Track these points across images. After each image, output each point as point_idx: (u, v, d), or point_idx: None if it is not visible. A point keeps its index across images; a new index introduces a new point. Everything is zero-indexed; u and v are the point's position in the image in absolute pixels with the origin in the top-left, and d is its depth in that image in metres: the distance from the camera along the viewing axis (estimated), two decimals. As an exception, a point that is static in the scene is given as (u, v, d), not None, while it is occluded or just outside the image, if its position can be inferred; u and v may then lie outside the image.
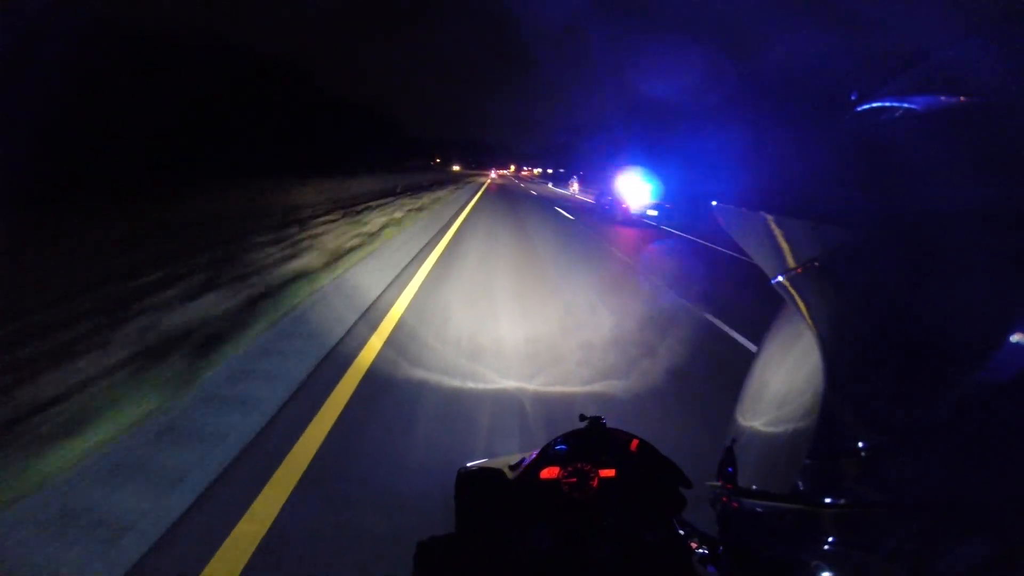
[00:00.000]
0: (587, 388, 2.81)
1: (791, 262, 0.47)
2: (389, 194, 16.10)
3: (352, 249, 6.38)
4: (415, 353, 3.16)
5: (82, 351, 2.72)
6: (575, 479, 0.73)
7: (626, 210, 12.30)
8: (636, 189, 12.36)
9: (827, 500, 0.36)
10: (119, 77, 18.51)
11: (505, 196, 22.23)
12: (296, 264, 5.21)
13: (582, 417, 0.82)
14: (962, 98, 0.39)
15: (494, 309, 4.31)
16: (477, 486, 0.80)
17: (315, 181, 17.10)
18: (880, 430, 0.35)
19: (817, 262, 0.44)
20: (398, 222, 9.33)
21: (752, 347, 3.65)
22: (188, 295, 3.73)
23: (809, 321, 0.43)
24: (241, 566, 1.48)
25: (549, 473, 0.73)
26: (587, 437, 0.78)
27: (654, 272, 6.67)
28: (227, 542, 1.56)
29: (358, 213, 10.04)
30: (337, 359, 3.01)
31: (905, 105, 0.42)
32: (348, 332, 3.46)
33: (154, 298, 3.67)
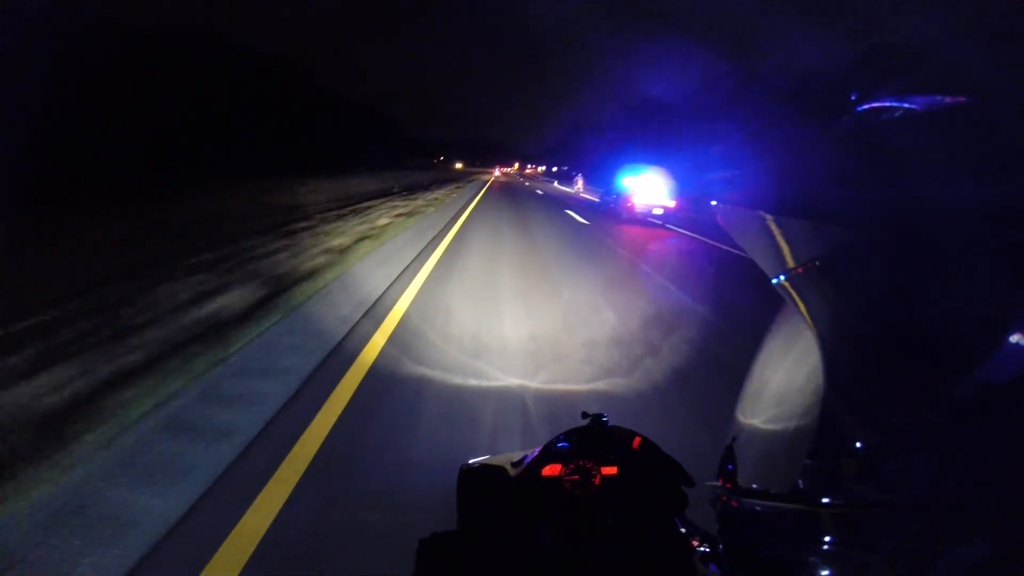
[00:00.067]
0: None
1: (791, 262, 0.47)
2: (383, 194, 15.12)
3: (306, 277, 4.54)
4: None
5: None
6: (577, 476, 0.73)
7: (631, 208, 12.24)
8: (641, 187, 12.29)
9: (827, 500, 0.36)
10: (119, 77, 18.52)
11: (509, 196, 19.89)
12: (210, 309, 3.53)
13: (584, 415, 0.82)
14: (962, 98, 0.39)
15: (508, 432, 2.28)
16: (479, 483, 0.80)
17: (312, 181, 16.89)
18: (880, 430, 0.35)
19: (817, 262, 0.44)
20: (376, 235, 7.22)
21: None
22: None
23: (809, 321, 0.43)
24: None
25: (551, 470, 0.73)
26: (589, 434, 0.78)
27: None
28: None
29: (339, 219, 8.62)
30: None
31: (905, 105, 0.42)
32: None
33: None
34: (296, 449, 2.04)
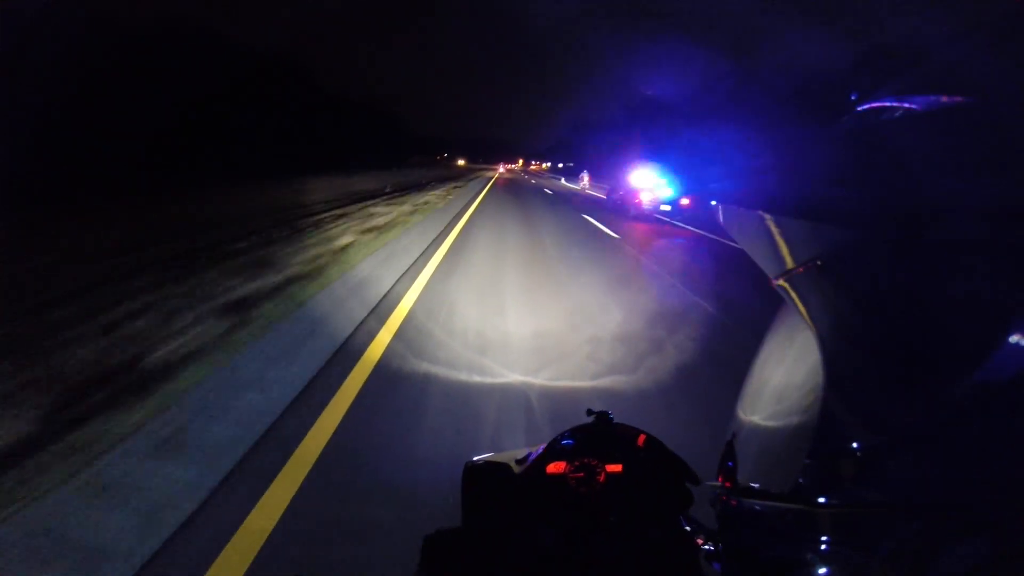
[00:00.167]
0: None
1: (790, 262, 0.47)
2: (372, 196, 13.34)
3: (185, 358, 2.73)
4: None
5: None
6: (582, 474, 0.73)
7: (638, 205, 12.19)
8: (648, 184, 12.23)
9: (827, 500, 0.36)
10: (119, 76, 18.51)
11: (514, 197, 17.42)
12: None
13: (589, 412, 0.82)
14: (962, 98, 0.39)
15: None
16: (484, 480, 0.80)
17: (307, 181, 16.49)
18: (880, 430, 0.35)
19: (817, 262, 0.44)
20: (315, 274, 4.72)
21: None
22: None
23: (809, 321, 0.43)
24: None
25: (556, 468, 0.73)
26: (594, 432, 0.78)
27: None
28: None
29: (287, 239, 6.44)
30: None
31: (905, 105, 0.42)
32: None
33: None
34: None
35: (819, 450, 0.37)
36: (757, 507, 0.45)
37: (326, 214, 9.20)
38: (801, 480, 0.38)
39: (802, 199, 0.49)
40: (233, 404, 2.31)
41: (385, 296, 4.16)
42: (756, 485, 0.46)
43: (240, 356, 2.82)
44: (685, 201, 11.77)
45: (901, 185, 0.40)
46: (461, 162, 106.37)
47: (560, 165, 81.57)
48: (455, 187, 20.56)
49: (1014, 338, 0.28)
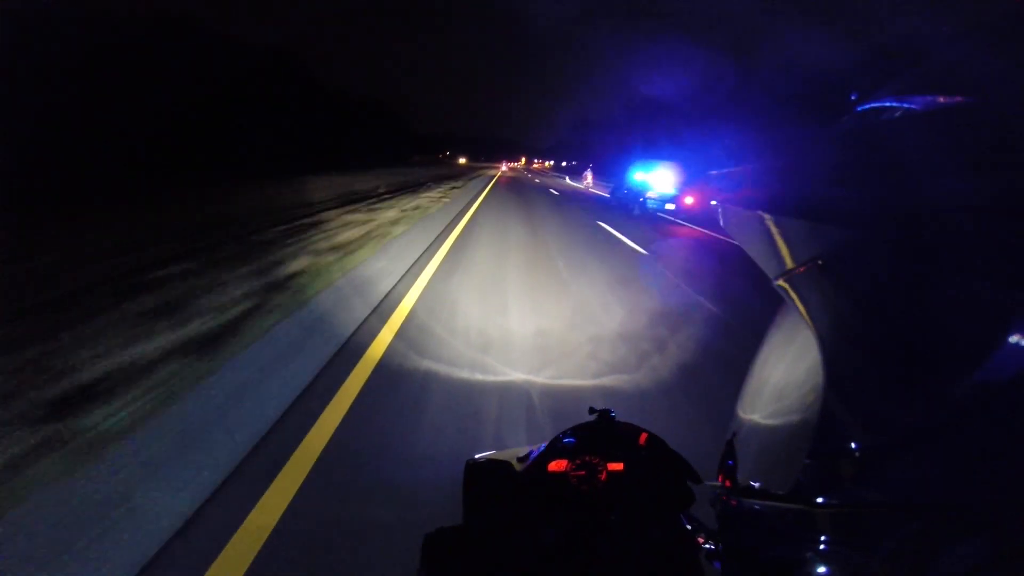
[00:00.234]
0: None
1: (790, 262, 0.47)
2: (363, 198, 11.92)
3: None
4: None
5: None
6: (583, 472, 0.73)
7: (642, 203, 12.10)
8: (652, 182, 12.10)
9: (827, 500, 0.36)
10: (120, 77, 18.49)
11: (517, 198, 15.63)
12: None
13: (591, 410, 0.82)
14: (962, 98, 0.39)
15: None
16: (485, 478, 0.80)
17: (299, 181, 15.96)
18: (879, 430, 0.35)
19: (817, 262, 0.44)
20: (225, 332, 3.12)
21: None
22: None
23: (809, 321, 0.43)
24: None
25: (557, 466, 0.73)
26: (596, 430, 0.77)
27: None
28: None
29: (261, 248, 5.55)
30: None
31: (905, 105, 0.42)
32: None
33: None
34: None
35: (819, 450, 0.37)
36: (757, 507, 0.45)
37: (298, 222, 7.72)
38: (801, 480, 0.38)
39: (802, 199, 0.49)
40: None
41: (303, 394, 2.39)
42: (756, 484, 0.46)
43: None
44: (689, 200, 11.67)
45: (901, 185, 0.40)
46: (462, 160, 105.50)
47: (564, 163, 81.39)
48: (453, 188, 18.37)
49: (1014, 338, 0.28)
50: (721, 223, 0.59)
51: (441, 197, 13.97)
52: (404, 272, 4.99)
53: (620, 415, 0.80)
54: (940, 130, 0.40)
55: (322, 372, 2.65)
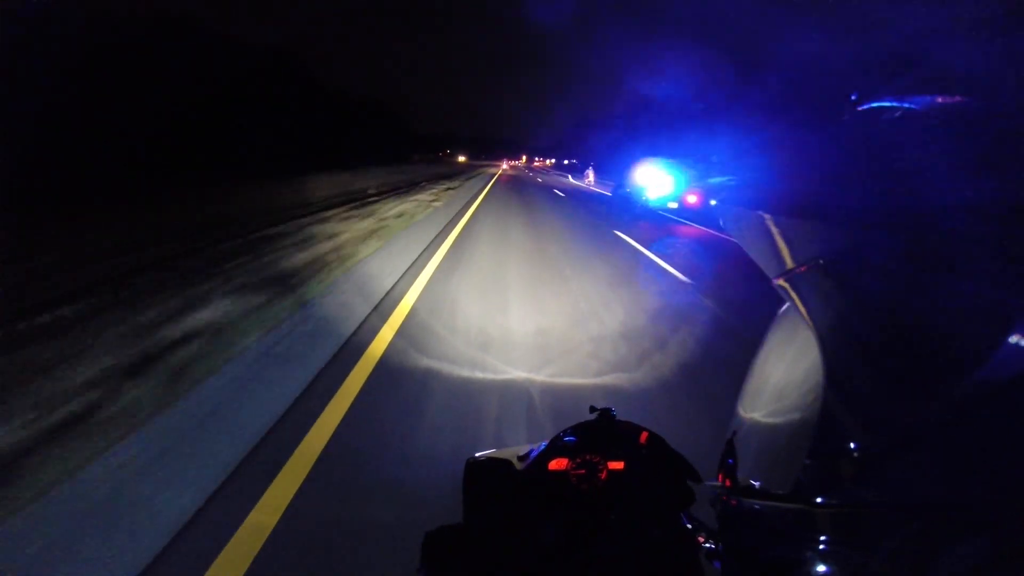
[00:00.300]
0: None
1: (790, 262, 0.47)
2: (349, 201, 11.11)
3: None
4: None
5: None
6: (584, 471, 0.73)
7: (645, 202, 12.00)
8: (655, 180, 11.99)
9: (827, 500, 0.36)
10: (122, 77, 18.47)
11: (519, 200, 14.07)
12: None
13: (592, 408, 0.81)
14: (962, 98, 0.39)
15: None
16: (486, 476, 0.80)
17: (289, 182, 15.51)
18: (880, 430, 0.35)
19: (816, 262, 0.44)
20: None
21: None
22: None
23: (809, 321, 0.43)
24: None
25: (558, 464, 0.73)
26: (596, 429, 0.77)
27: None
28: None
29: (201, 273, 4.48)
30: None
31: (905, 105, 0.42)
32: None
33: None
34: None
35: (819, 450, 0.37)
36: (757, 506, 0.45)
37: (258, 234, 6.60)
38: (801, 480, 0.38)
39: (802, 199, 0.49)
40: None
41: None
42: (756, 483, 0.46)
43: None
44: (692, 198, 11.54)
45: (901, 185, 0.40)
46: (462, 159, 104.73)
47: (565, 161, 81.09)
48: (448, 189, 16.35)
49: (1014, 338, 0.28)
50: (720, 223, 0.59)
51: (432, 201, 12.12)
52: (364, 317, 3.50)
53: (621, 414, 0.80)
54: (940, 130, 0.40)
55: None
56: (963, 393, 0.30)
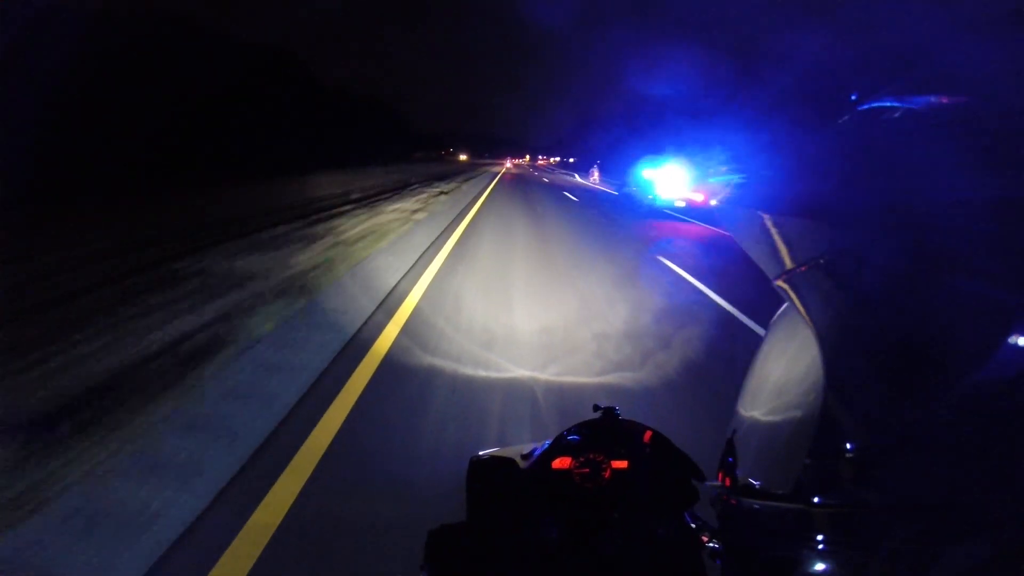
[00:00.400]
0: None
1: (790, 262, 0.47)
2: (328, 207, 9.06)
3: None
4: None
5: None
6: (587, 470, 0.73)
7: (651, 201, 11.89)
8: (662, 179, 11.84)
9: (827, 500, 0.36)
10: (122, 77, 18.45)
11: (526, 206, 11.88)
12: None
13: (596, 407, 0.81)
14: (962, 98, 0.39)
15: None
16: (489, 474, 0.80)
17: (279, 183, 14.82)
18: (880, 431, 0.35)
19: (816, 262, 0.44)
20: None
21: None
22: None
23: (809, 322, 0.43)
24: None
25: (561, 463, 0.73)
26: (600, 427, 0.77)
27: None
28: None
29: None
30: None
31: (905, 105, 0.42)
32: None
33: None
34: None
35: (819, 449, 0.37)
36: (757, 506, 0.45)
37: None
38: (801, 480, 0.38)
39: (802, 199, 0.49)
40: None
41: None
42: (756, 482, 0.46)
43: None
44: (699, 197, 11.38)
45: (901, 185, 0.40)
46: (463, 157, 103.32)
47: (571, 160, 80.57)
48: (440, 193, 13.58)
49: (1014, 338, 0.28)
50: (721, 223, 0.59)
51: (415, 212, 9.19)
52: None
53: (624, 413, 0.80)
54: (940, 130, 0.40)
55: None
56: (963, 393, 0.30)
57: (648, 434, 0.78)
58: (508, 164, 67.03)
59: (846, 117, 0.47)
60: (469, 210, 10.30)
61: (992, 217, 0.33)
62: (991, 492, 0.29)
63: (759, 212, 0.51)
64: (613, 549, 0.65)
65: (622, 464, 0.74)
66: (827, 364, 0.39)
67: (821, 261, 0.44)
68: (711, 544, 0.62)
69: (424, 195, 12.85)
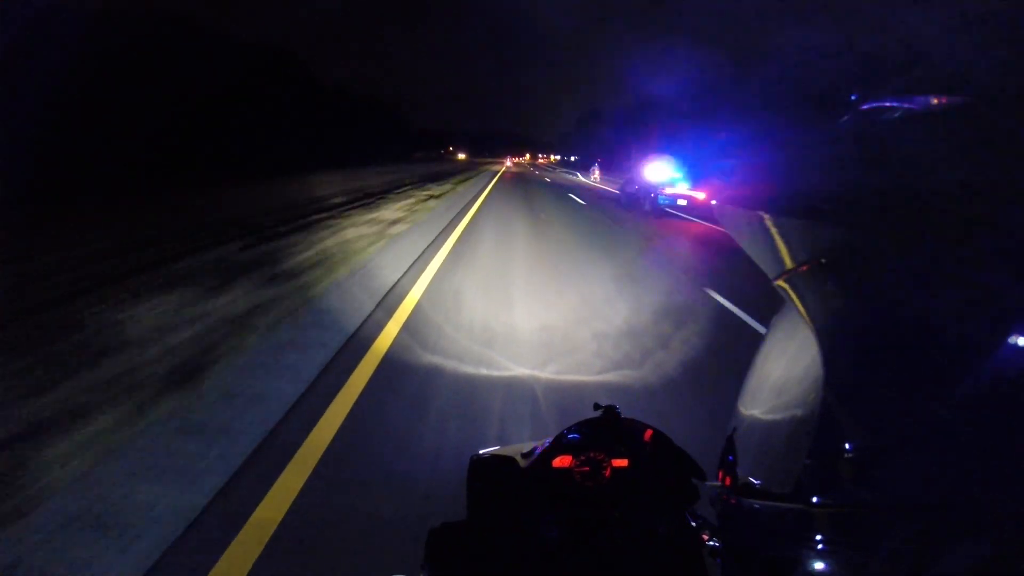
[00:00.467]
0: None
1: (790, 262, 0.47)
2: (315, 212, 8.11)
3: None
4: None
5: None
6: (588, 468, 0.73)
7: (653, 199, 11.85)
8: (664, 177, 11.78)
9: (827, 499, 0.36)
10: (123, 77, 18.45)
11: (528, 212, 10.40)
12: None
13: (596, 406, 0.81)
14: (962, 98, 0.39)
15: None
16: (490, 473, 0.79)
17: (268, 183, 14.58)
18: (879, 431, 0.35)
19: (816, 262, 0.44)
20: None
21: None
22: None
23: (809, 322, 0.43)
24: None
25: (562, 462, 0.73)
26: (601, 426, 0.77)
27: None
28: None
29: None
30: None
31: (905, 105, 0.42)
32: None
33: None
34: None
35: (819, 449, 0.37)
36: (756, 506, 0.45)
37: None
38: (801, 479, 0.38)
39: (802, 199, 0.49)
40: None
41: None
42: (755, 481, 0.46)
43: None
44: (701, 195, 11.31)
45: (901, 184, 0.40)
46: (462, 156, 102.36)
47: (572, 158, 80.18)
48: (429, 197, 12.24)
49: (1014, 338, 0.28)
50: (721, 223, 0.59)
51: (393, 223, 7.72)
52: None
53: (625, 412, 0.80)
54: (940, 130, 0.40)
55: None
56: (963, 393, 0.30)
57: (649, 433, 0.78)
58: (508, 163, 65.73)
59: (846, 117, 0.47)
60: (461, 218, 8.80)
61: (992, 217, 0.33)
62: (991, 492, 0.29)
63: (759, 212, 0.51)
64: (613, 548, 0.65)
65: (623, 463, 0.74)
66: (827, 364, 0.39)
67: (821, 261, 0.44)
68: (711, 543, 0.62)
69: (411, 200, 11.30)
